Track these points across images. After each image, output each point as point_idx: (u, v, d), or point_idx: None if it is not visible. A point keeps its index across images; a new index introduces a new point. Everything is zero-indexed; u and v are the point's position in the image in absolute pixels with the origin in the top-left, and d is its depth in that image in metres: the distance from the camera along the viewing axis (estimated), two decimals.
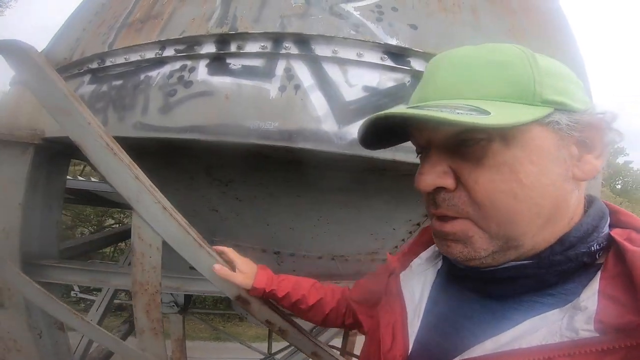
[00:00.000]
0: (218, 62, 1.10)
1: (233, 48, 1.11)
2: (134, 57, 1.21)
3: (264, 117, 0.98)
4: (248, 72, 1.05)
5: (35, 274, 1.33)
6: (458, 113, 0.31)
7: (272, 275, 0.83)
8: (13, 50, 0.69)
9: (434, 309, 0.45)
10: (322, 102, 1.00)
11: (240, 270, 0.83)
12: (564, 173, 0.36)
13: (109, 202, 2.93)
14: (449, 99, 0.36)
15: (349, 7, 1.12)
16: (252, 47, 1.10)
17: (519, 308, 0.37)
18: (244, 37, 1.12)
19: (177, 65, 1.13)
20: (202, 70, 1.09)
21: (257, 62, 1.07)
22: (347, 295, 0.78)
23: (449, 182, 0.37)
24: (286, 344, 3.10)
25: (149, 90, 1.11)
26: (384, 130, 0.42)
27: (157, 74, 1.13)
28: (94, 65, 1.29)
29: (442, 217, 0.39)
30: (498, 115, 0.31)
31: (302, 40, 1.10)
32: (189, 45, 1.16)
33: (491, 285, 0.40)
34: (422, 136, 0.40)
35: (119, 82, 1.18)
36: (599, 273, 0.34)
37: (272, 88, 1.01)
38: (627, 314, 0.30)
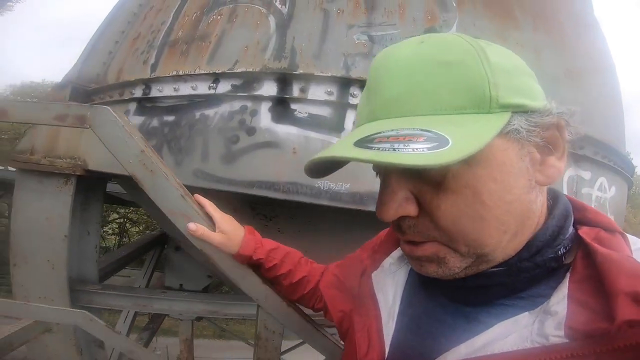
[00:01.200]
0: (281, 107, 1.04)
1: (296, 91, 1.05)
2: (185, 88, 1.14)
3: (334, 178, 0.95)
4: (315, 123, 1.01)
5: (80, 300, 1.34)
6: (413, 151, 0.28)
7: (260, 240, 0.73)
8: (100, 111, 0.66)
9: (407, 310, 0.45)
10: None
11: (220, 229, 0.71)
12: (527, 184, 0.34)
13: (114, 198, 2.89)
14: (399, 117, 0.33)
15: None
16: (316, 91, 1.05)
17: (491, 311, 0.37)
18: (307, 78, 1.06)
19: (236, 105, 1.07)
20: (264, 115, 1.04)
21: (324, 112, 1.02)
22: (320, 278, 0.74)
23: (411, 209, 0.35)
24: (292, 342, 3.21)
25: (207, 132, 1.06)
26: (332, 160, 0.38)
27: (214, 114, 1.07)
28: (139, 92, 1.21)
29: (411, 242, 0.38)
30: (458, 143, 0.28)
31: None
32: (246, 81, 1.09)
33: (462, 293, 0.40)
34: (379, 165, 0.37)
35: (171, 118, 1.12)
36: (568, 275, 0.34)
37: None
38: (596, 320, 0.29)
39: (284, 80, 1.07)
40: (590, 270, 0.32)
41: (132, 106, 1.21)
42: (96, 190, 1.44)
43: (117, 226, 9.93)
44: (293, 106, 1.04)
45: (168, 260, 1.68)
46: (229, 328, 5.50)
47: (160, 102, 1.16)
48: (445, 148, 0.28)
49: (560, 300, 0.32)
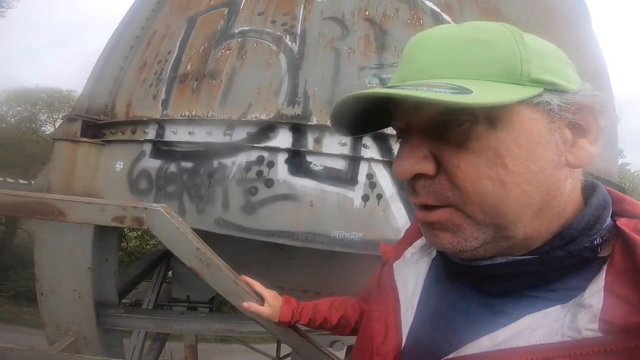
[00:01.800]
0: (297, 159, 1.09)
1: (311, 142, 1.09)
2: (200, 133, 1.16)
3: (349, 228, 1.03)
4: (330, 176, 1.07)
5: (105, 323, 1.44)
6: (436, 91, 0.29)
7: (295, 306, 0.82)
8: (155, 213, 0.74)
9: (428, 301, 0.43)
10: (403, 213, 1.05)
11: (268, 303, 0.83)
12: (556, 159, 0.33)
13: None
14: (428, 79, 0.33)
15: None
16: (330, 142, 1.09)
17: (518, 303, 0.34)
18: (321, 129, 1.10)
19: (253, 155, 1.11)
20: (281, 168, 1.09)
21: (338, 165, 1.08)
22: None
23: (428, 167, 0.34)
24: None
25: (227, 182, 1.11)
26: (362, 115, 0.39)
27: (231, 163, 1.12)
28: (152, 133, 1.23)
29: (425, 206, 0.36)
30: (481, 94, 0.29)
31: (382, 138, 1.10)
32: (261, 129, 1.13)
33: (489, 281, 0.37)
34: (402, 118, 0.37)
35: (189, 165, 1.15)
36: (605, 268, 0.32)
37: (355, 197, 1.04)
38: (635, 313, 0.28)
39: (299, 129, 1.11)
40: (629, 262, 0.30)
41: (147, 148, 1.24)
42: None
43: None
44: (309, 158, 1.09)
45: (175, 272, 1.74)
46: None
47: (176, 147, 1.19)
48: (469, 95, 0.28)
49: (595, 293, 0.30)
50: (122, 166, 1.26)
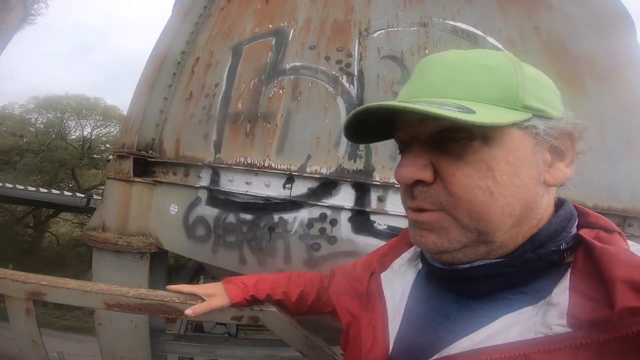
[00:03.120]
0: (361, 218, 1.09)
1: (374, 202, 1.08)
2: (258, 184, 1.15)
3: None
4: (394, 235, 1.07)
5: (157, 350, 1.52)
6: (447, 109, 0.33)
7: (244, 282, 0.79)
8: (269, 314, 0.80)
9: (414, 308, 0.46)
10: None
11: (209, 294, 0.77)
12: (536, 177, 0.37)
13: None
14: (438, 97, 0.37)
15: None
16: (394, 201, 1.09)
17: (494, 305, 0.38)
18: (385, 187, 1.09)
19: (315, 212, 1.11)
20: (345, 226, 1.09)
21: (402, 223, 1.08)
22: (324, 284, 0.78)
23: (427, 174, 0.38)
24: None
25: (288, 237, 1.11)
26: (370, 125, 0.43)
27: (293, 219, 1.12)
28: (207, 179, 1.22)
29: (419, 209, 0.40)
30: (482, 114, 0.33)
31: None
32: (323, 184, 1.11)
33: (467, 284, 0.41)
34: (407, 131, 0.41)
35: (248, 217, 1.16)
36: (569, 270, 0.35)
37: None
38: (597, 308, 0.30)
39: (362, 187, 1.09)
40: (589, 265, 0.34)
41: (203, 194, 1.23)
42: (161, 254, 1.51)
43: None
44: (372, 218, 1.09)
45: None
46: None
47: (233, 197, 1.18)
48: (472, 114, 0.33)
49: (562, 292, 0.34)
50: (176, 210, 1.27)
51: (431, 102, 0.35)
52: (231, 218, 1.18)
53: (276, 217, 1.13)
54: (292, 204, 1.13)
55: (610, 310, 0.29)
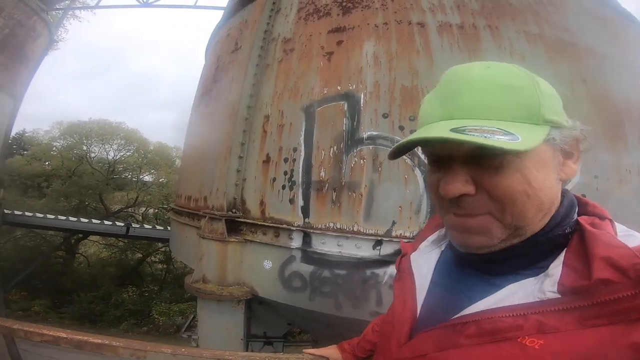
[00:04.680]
0: None
1: None
2: (349, 246, 1.34)
3: None
4: None
5: None
6: (494, 138, 0.38)
7: (348, 348, 0.89)
8: None
9: (438, 280, 0.54)
10: None
11: (331, 357, 0.90)
12: (556, 176, 0.45)
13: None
14: (473, 119, 0.43)
15: None
16: None
17: (506, 277, 0.45)
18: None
19: None
20: None
21: None
22: None
23: (470, 188, 0.44)
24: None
25: (379, 286, 1.34)
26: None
27: (383, 273, 1.33)
28: (299, 240, 1.39)
29: (468, 215, 0.45)
30: (525, 139, 0.39)
31: None
32: None
33: (488, 265, 0.48)
34: (446, 149, 0.45)
35: (342, 272, 1.36)
36: (565, 249, 0.43)
37: None
38: (580, 279, 0.38)
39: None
40: (581, 245, 0.41)
41: (297, 253, 1.41)
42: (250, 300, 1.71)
43: (162, 255, 10.84)
44: None
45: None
46: None
47: (328, 257, 1.37)
48: (518, 141, 0.38)
49: (557, 266, 0.41)
50: (270, 265, 1.45)
51: (473, 129, 0.40)
52: (326, 273, 1.38)
53: (368, 272, 1.35)
54: (382, 262, 1.33)
55: (588, 280, 0.37)
